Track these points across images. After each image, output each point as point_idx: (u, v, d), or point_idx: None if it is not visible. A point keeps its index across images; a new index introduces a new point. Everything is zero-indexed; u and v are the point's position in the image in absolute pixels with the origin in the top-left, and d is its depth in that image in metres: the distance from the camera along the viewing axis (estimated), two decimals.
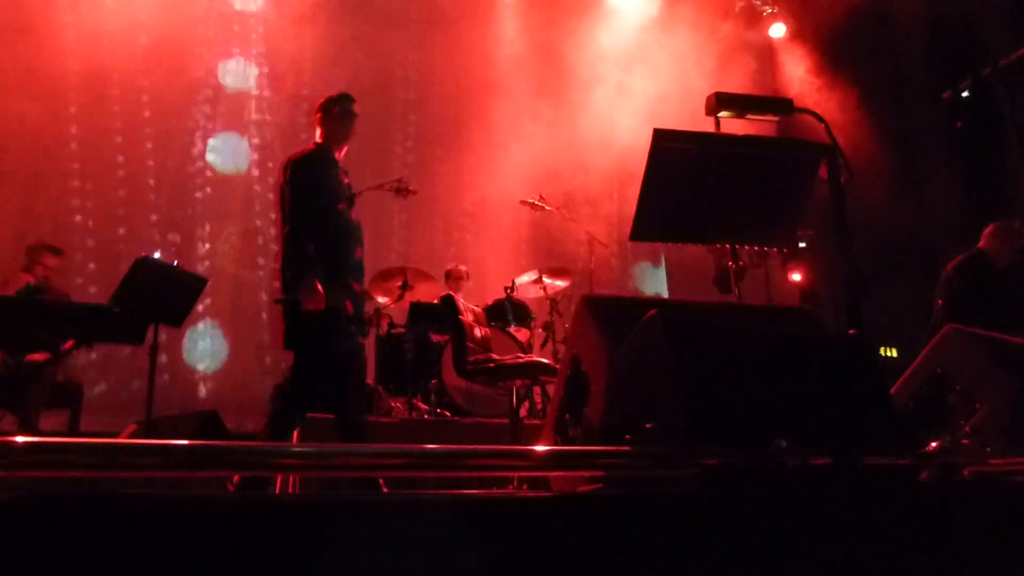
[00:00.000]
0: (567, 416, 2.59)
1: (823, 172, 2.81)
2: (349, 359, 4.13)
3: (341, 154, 4.39)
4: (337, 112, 4.34)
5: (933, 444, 2.01)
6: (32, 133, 7.24)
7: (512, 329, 6.39)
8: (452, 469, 1.94)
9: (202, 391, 7.72)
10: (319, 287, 3.87)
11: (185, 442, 1.75)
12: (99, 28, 7.63)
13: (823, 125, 2.90)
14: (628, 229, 2.88)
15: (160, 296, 4.70)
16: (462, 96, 8.86)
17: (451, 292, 6.55)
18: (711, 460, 1.74)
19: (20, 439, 1.50)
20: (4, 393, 4.84)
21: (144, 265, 4.77)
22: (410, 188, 5.18)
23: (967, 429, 2.45)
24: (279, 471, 3.02)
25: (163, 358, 6.70)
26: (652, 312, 2.05)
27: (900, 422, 2.13)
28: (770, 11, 9.59)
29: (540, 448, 2.08)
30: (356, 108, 4.38)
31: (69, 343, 4.89)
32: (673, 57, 8.21)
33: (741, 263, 3.32)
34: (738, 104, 2.94)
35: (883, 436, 2.00)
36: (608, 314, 2.53)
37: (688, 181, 2.86)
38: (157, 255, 5.04)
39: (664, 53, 8.31)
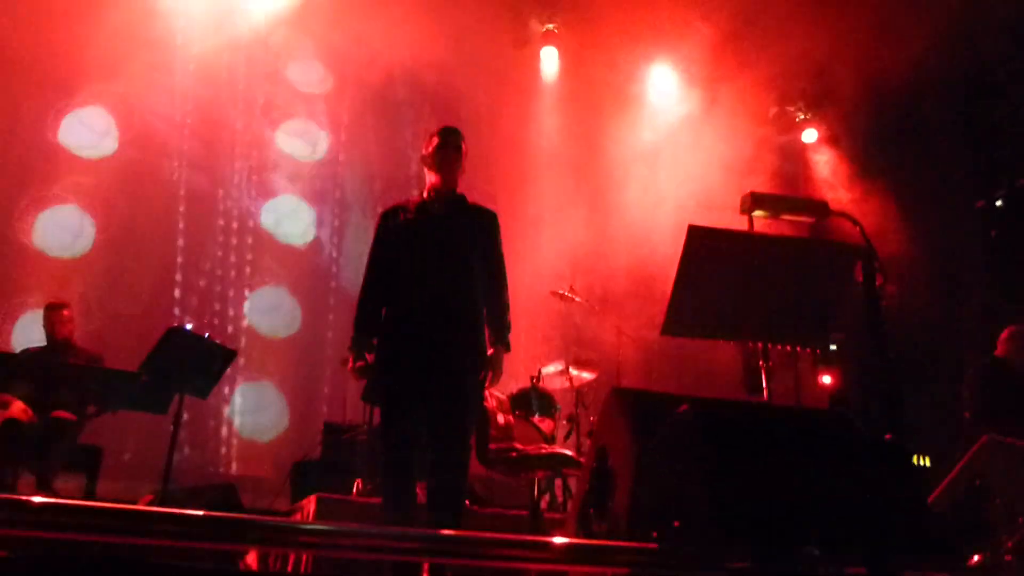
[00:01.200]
0: (591, 510, 2.53)
1: (858, 274, 2.80)
2: None
3: None
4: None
5: (975, 558, 1.92)
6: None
7: (536, 419, 6.30)
8: (468, 557, 1.90)
9: (224, 463, 7.68)
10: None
11: (199, 513, 1.73)
12: (147, 101, 7.96)
13: (858, 228, 2.90)
14: (656, 324, 2.89)
15: (189, 366, 4.74)
16: (495, 186, 9.02)
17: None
18: (741, 563, 1.67)
19: (37, 499, 1.49)
20: (26, 449, 4.82)
21: (175, 334, 4.83)
22: None
23: (1009, 544, 2.35)
24: (292, 548, 2.97)
25: (187, 427, 6.69)
26: (684, 407, 2.01)
27: (939, 533, 2.05)
28: (803, 117, 9.78)
29: (562, 540, 2.02)
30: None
31: (93, 407, 4.92)
32: (707, 158, 8.33)
33: (771, 363, 3.26)
34: (773, 204, 2.97)
35: (921, 547, 1.92)
36: (638, 407, 2.50)
37: (722, 278, 2.87)
38: (189, 326, 5.09)
39: (699, 153, 8.44)
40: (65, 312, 5.72)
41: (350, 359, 3.82)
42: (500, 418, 5.24)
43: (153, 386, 4.58)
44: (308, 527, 2.09)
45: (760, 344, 3.20)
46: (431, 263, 3.66)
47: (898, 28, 7.59)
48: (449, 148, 3.82)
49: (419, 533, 1.77)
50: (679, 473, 1.99)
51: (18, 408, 5.06)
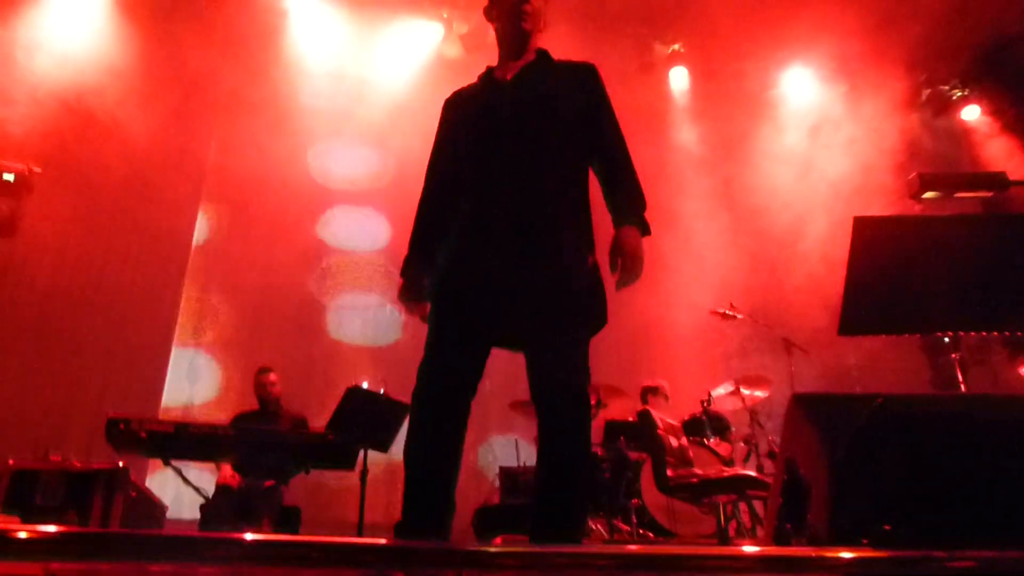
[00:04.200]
0: (788, 525, 2.42)
1: None
2: None
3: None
4: None
5: None
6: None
7: (712, 443, 6.13)
8: (666, 569, 1.83)
9: None
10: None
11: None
12: None
13: None
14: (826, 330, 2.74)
15: (369, 423, 4.95)
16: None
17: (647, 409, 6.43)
18: (968, 562, 1.55)
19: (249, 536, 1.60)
20: (235, 513, 5.18)
21: (354, 393, 5.07)
22: None
23: None
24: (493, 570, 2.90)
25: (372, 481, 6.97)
26: (879, 401, 1.90)
27: None
28: (960, 94, 9.19)
29: (765, 549, 1.93)
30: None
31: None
32: (859, 151, 7.97)
33: (961, 355, 3.02)
34: (945, 183, 2.77)
35: None
36: (823, 412, 2.38)
37: (897, 269, 2.69)
38: (365, 384, 5.34)
39: (850, 148, 8.08)
40: (271, 376, 6.22)
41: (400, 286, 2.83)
42: (673, 441, 5.11)
43: (339, 444, 4.81)
44: (505, 551, 2.08)
45: (949, 335, 2.99)
46: (509, 146, 2.65)
47: None
48: None
49: (608, 552, 1.74)
50: (881, 474, 1.87)
51: (227, 474, 5.50)
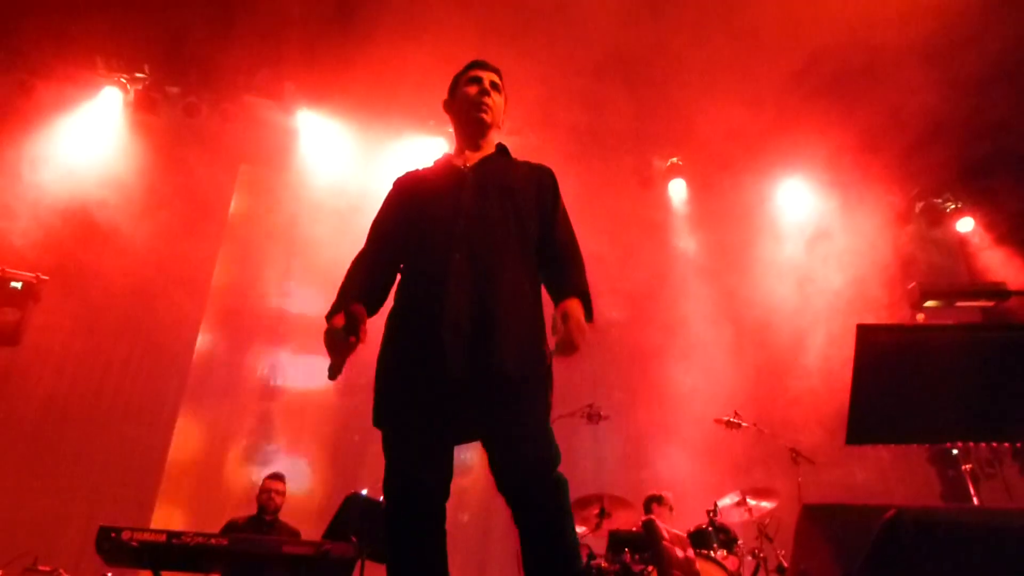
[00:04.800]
0: None
1: None
2: None
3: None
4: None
5: None
6: None
7: (719, 556, 5.95)
8: None
9: None
10: None
11: None
12: None
13: None
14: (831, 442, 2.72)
15: (367, 532, 4.82)
16: (639, 323, 9.02)
17: (651, 519, 6.28)
18: None
19: None
20: None
21: (353, 501, 4.96)
22: (601, 414, 5.23)
23: None
24: None
25: None
26: (891, 514, 1.87)
27: None
28: (954, 207, 9.41)
29: None
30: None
31: None
32: (856, 262, 8.09)
33: (971, 467, 2.97)
34: (945, 293, 2.81)
35: None
36: (835, 524, 2.33)
37: (903, 377, 2.70)
38: (364, 491, 5.24)
39: (847, 259, 8.21)
40: (279, 484, 6.14)
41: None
42: (679, 552, 4.97)
43: (336, 555, 4.67)
44: None
45: (959, 446, 2.95)
46: (466, 231, 2.57)
47: None
48: (481, 83, 2.89)
49: None
50: None
51: None
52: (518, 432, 2.39)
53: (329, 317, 2.59)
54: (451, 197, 2.67)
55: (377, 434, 2.54)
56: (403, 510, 2.41)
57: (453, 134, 3.01)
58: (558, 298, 2.59)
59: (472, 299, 2.46)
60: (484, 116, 2.85)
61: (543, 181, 2.83)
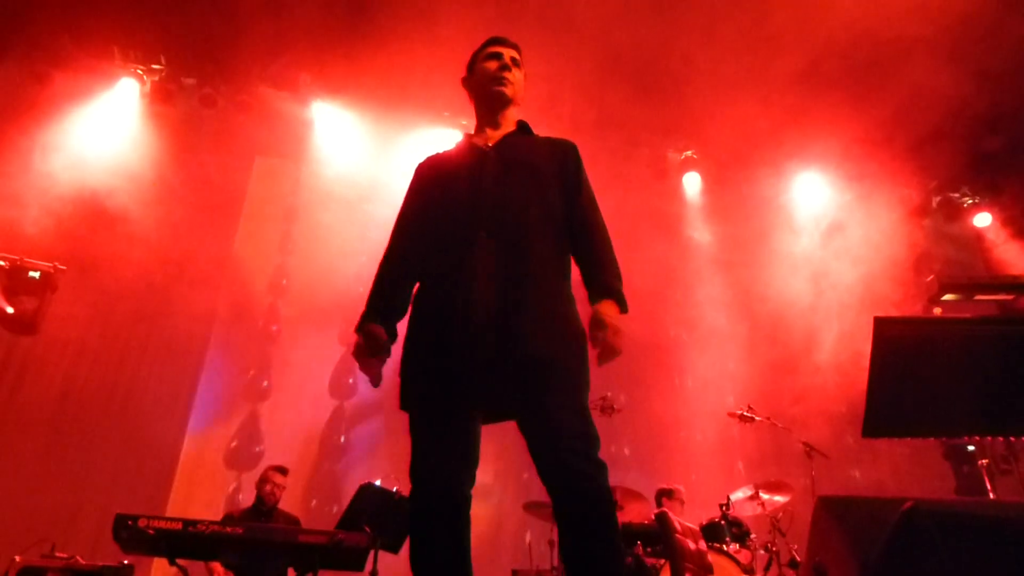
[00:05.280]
0: None
1: None
2: None
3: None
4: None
5: None
6: None
7: (731, 549, 5.95)
8: None
9: None
10: None
11: None
12: None
13: None
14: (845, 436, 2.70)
15: (380, 522, 4.84)
16: (659, 312, 9.00)
17: (664, 511, 6.27)
18: None
19: None
20: None
21: (366, 491, 4.99)
22: (614, 407, 5.22)
23: None
24: None
25: None
26: (908, 505, 1.86)
27: None
28: (971, 201, 9.34)
29: None
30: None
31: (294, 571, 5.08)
32: (872, 256, 8.03)
33: (987, 462, 2.95)
34: (964, 286, 2.78)
35: None
36: (851, 516, 2.32)
37: (921, 370, 2.67)
38: (378, 482, 5.26)
39: (863, 253, 8.15)
40: (280, 478, 6.18)
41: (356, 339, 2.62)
42: (691, 544, 4.96)
43: (350, 545, 4.69)
44: None
45: (976, 440, 2.94)
46: (491, 211, 2.54)
47: None
48: (501, 59, 2.84)
49: None
50: None
51: (219, 574, 5.38)
52: (555, 403, 2.31)
53: (358, 330, 2.61)
54: (473, 177, 2.64)
55: (400, 420, 2.54)
56: (428, 495, 2.38)
57: (473, 113, 2.93)
58: (593, 297, 2.57)
59: (498, 278, 2.43)
60: (505, 90, 2.81)
61: (567, 156, 2.78)
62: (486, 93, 2.84)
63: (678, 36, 7.25)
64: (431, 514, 2.37)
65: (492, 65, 2.83)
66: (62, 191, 7.66)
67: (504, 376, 2.35)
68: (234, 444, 8.18)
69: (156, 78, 8.75)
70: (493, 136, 2.79)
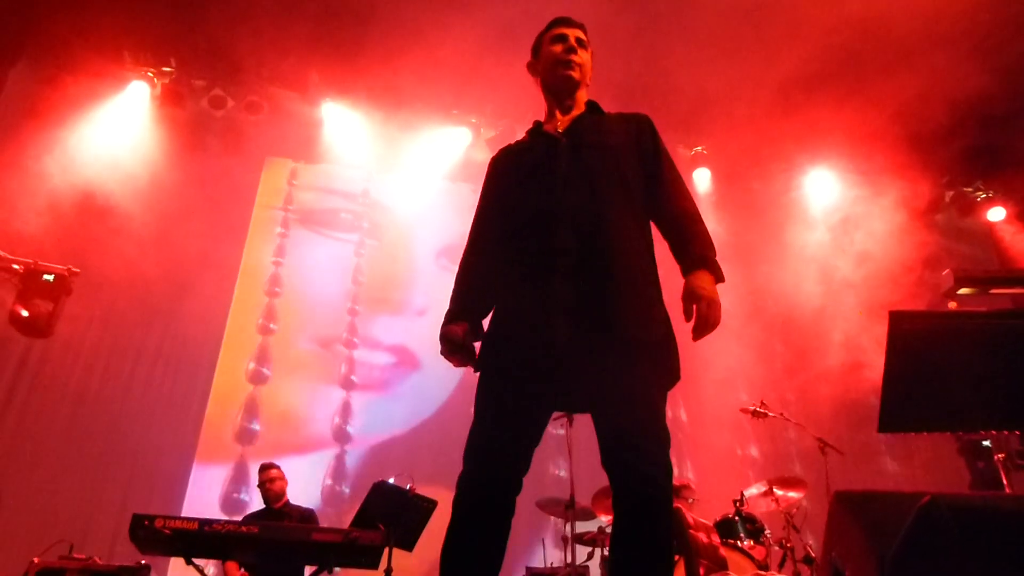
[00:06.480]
0: None
1: None
2: None
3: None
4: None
5: None
6: None
7: (746, 546, 5.93)
8: None
9: None
10: None
11: None
12: None
13: None
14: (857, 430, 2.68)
15: (394, 520, 4.86)
16: (669, 308, 8.97)
17: (678, 506, 6.26)
18: None
19: None
20: None
21: (380, 489, 5.00)
22: None
23: None
24: None
25: None
26: (926, 500, 1.85)
27: None
28: (985, 196, 9.29)
29: None
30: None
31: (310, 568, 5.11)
32: (885, 252, 8.00)
33: (1003, 456, 2.93)
34: (980, 280, 2.76)
35: None
36: (868, 511, 2.31)
37: (936, 364, 2.65)
38: (391, 480, 5.27)
39: (875, 248, 8.12)
40: (272, 472, 6.17)
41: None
42: (703, 537, 4.94)
43: (364, 542, 4.70)
44: None
45: (992, 435, 2.92)
46: (568, 199, 2.46)
47: None
48: (567, 40, 2.75)
49: None
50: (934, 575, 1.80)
51: (234, 573, 5.41)
52: (633, 397, 2.24)
53: (444, 326, 2.56)
54: (547, 164, 2.56)
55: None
56: (483, 479, 2.29)
57: (543, 99, 2.85)
58: (685, 268, 2.49)
59: (581, 265, 2.35)
60: (572, 73, 2.72)
61: (641, 130, 2.70)
62: (553, 77, 2.76)
63: (689, 30, 7.22)
64: (480, 510, 2.28)
65: (557, 48, 2.74)
66: (73, 194, 7.70)
67: (587, 366, 2.27)
68: (251, 443, 8.21)
69: (166, 80, 8.79)
70: (563, 121, 2.72)
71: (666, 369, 2.38)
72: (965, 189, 9.50)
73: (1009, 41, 6.87)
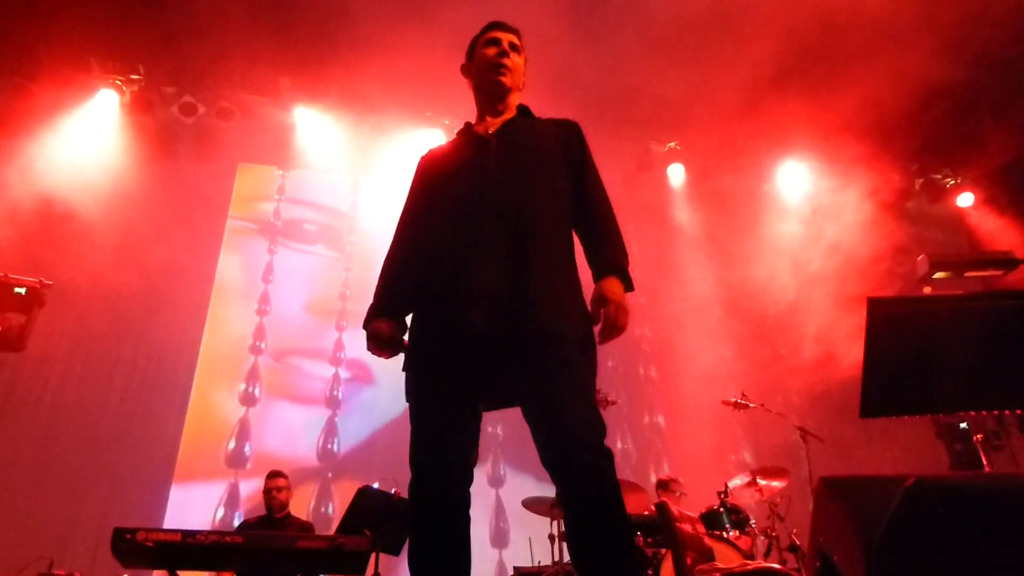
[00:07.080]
0: None
1: None
2: None
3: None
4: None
5: None
6: None
7: (731, 536, 5.97)
8: None
9: None
10: None
11: None
12: None
13: None
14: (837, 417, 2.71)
15: (380, 525, 4.84)
16: (648, 304, 9.03)
17: (663, 500, 6.29)
18: None
19: None
20: None
21: (364, 494, 4.97)
22: (609, 399, 5.23)
23: None
24: None
25: None
26: (911, 481, 1.87)
27: None
28: (953, 182, 9.43)
29: None
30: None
31: None
32: (857, 240, 8.09)
33: (981, 437, 2.98)
34: (954, 264, 2.80)
35: None
36: (854, 495, 2.32)
37: (914, 349, 2.69)
38: (376, 485, 5.25)
39: (848, 239, 8.21)
40: (281, 480, 6.13)
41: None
42: (688, 527, 4.96)
43: (350, 549, 4.68)
44: None
45: (971, 415, 2.96)
46: (495, 199, 2.49)
47: None
48: (499, 45, 2.79)
49: None
50: (921, 557, 1.82)
51: None
52: (561, 389, 2.26)
53: (365, 327, 2.57)
54: (476, 165, 2.59)
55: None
56: (429, 489, 2.32)
57: (474, 101, 2.88)
58: (595, 274, 2.52)
59: (505, 263, 2.38)
60: (503, 79, 2.75)
61: (570, 136, 2.74)
62: (485, 81, 2.79)
63: (656, 27, 7.25)
64: (431, 509, 2.31)
65: (491, 51, 2.77)
66: (41, 205, 7.60)
67: (510, 358, 2.30)
68: (230, 449, 8.14)
69: (135, 88, 8.68)
70: (493, 123, 2.75)
71: (586, 365, 2.39)
72: (934, 176, 9.63)
73: (971, 30, 6.96)
